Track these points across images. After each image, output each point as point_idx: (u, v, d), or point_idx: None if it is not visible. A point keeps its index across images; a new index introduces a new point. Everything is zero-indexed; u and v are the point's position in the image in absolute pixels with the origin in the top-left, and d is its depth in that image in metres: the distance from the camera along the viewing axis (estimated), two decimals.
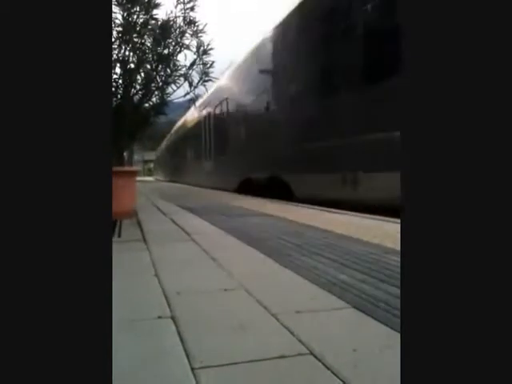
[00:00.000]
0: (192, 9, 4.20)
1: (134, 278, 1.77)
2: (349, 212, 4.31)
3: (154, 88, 4.22)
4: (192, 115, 15.91)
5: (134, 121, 4.17)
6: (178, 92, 4.33)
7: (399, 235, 0.74)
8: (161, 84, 4.21)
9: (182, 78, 4.28)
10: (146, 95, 4.21)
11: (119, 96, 4.06)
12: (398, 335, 1.06)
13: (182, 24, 4.20)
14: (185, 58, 4.29)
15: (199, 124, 14.67)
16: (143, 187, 12.23)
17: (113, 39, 3.91)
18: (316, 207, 5.01)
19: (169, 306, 1.38)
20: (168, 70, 4.20)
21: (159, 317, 1.27)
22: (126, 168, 4.69)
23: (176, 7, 4.18)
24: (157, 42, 4.10)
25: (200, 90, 4.43)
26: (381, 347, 1.03)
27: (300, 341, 1.08)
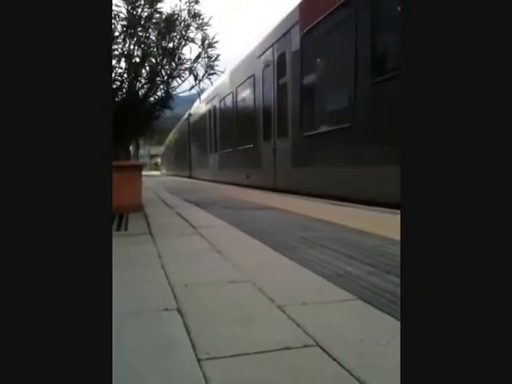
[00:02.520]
0: (197, 2, 4.19)
1: (140, 271, 1.78)
2: (355, 204, 4.30)
3: (159, 82, 4.23)
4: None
5: (140, 115, 4.18)
6: (184, 86, 4.33)
7: None
8: (166, 78, 4.21)
9: (187, 72, 4.28)
10: (151, 89, 4.22)
11: (124, 90, 4.07)
12: None
13: (186, 17, 4.19)
14: (190, 51, 4.29)
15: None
16: (150, 181, 12.28)
17: (117, 33, 3.91)
18: (321, 200, 5.00)
19: (175, 297, 1.38)
20: (173, 64, 4.20)
21: (166, 309, 1.28)
22: (132, 162, 4.71)
23: (181, 0, 4.17)
24: (161, 35, 4.09)
25: (205, 83, 4.43)
26: (387, 338, 1.03)
27: (306, 332, 1.08)
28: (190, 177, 18.24)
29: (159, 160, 49.70)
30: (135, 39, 3.98)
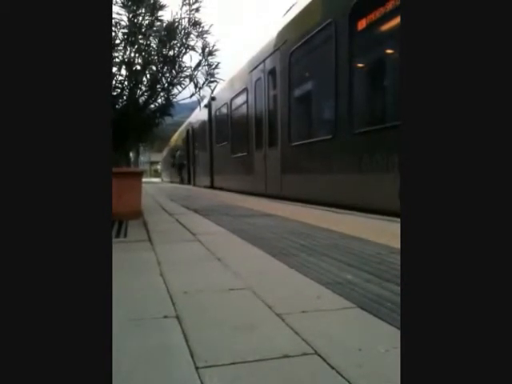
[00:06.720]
0: (197, 10, 4.22)
1: (139, 278, 1.78)
2: (355, 212, 4.30)
3: (159, 89, 4.25)
4: None
5: (140, 122, 4.19)
6: (184, 93, 4.35)
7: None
8: (166, 85, 4.23)
9: (187, 79, 4.30)
10: (152, 96, 4.24)
11: (125, 97, 4.08)
12: None
13: (187, 25, 4.22)
14: (190, 59, 4.31)
15: None
16: (149, 188, 12.28)
17: (118, 41, 3.93)
18: (320, 207, 5.00)
19: (174, 305, 1.38)
20: (173, 72, 4.23)
21: (165, 316, 1.28)
22: (132, 169, 4.72)
23: (181, 8, 4.21)
24: (162, 43, 4.12)
25: (205, 90, 4.45)
26: (386, 347, 1.02)
27: (305, 340, 1.07)
28: (212, 187, 13.30)
29: (159, 167, 49.37)
30: (136, 47, 4.00)
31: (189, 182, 18.21)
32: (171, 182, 23.60)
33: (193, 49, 4.25)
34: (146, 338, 1.11)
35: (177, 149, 23.08)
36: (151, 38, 4.11)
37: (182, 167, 20.78)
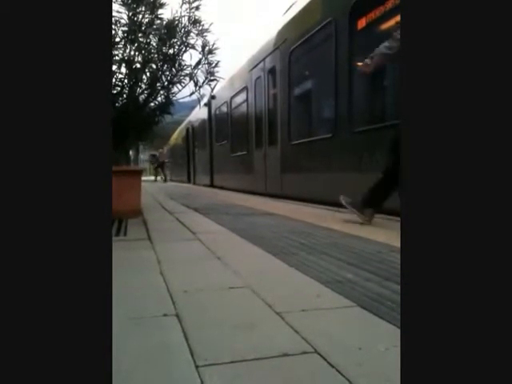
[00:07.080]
0: (197, 8, 4.21)
1: (139, 276, 1.78)
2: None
3: (159, 87, 4.24)
4: None
5: (140, 120, 4.18)
6: (184, 91, 4.35)
7: None
8: (166, 83, 4.23)
9: (187, 78, 4.30)
10: (152, 95, 4.23)
11: (125, 96, 4.08)
12: None
13: (187, 23, 4.21)
14: (190, 57, 4.31)
15: None
16: (149, 187, 12.28)
17: (118, 39, 3.93)
18: (320, 206, 5.00)
19: (174, 303, 1.38)
20: (173, 70, 4.22)
21: (164, 314, 1.28)
22: (132, 167, 4.72)
23: (181, 7, 4.20)
24: (162, 41, 4.11)
25: (205, 89, 4.45)
26: (386, 346, 1.02)
27: (305, 339, 1.07)
28: (211, 185, 13.30)
29: None
30: (136, 45, 4.00)
31: (188, 181, 18.26)
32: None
33: (193, 47, 4.24)
34: (146, 337, 1.11)
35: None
36: (151, 36, 4.10)
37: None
